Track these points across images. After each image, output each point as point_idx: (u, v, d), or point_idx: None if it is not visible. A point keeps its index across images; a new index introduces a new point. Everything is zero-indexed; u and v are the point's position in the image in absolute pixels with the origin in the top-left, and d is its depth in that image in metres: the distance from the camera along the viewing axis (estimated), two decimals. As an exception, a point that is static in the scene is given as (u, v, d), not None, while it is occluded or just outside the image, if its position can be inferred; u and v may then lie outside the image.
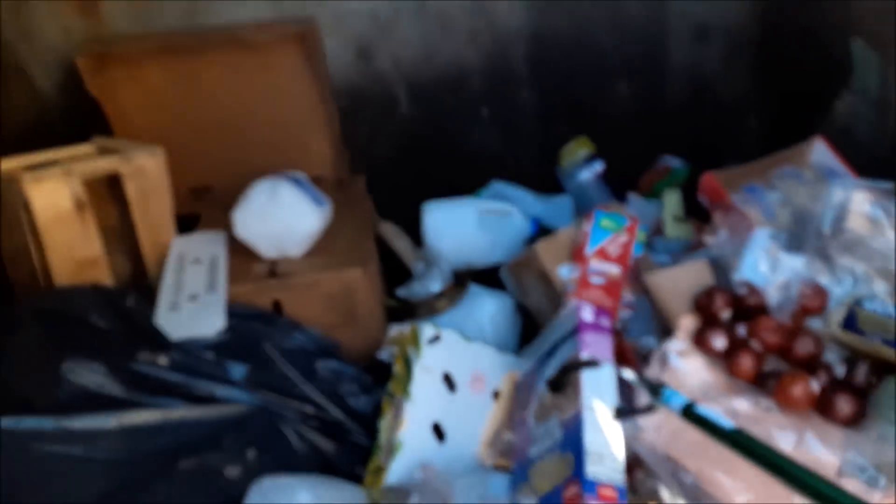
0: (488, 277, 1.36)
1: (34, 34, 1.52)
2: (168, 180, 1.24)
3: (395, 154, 1.69)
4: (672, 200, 1.41)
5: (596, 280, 1.16)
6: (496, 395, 1.09)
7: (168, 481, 0.88)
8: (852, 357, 0.97)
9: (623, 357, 1.06)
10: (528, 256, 1.24)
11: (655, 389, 0.85)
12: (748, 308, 1.04)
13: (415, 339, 1.07)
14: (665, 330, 1.10)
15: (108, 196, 1.25)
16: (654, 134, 1.68)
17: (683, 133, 1.68)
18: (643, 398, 0.88)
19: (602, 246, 1.18)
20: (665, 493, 0.83)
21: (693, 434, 0.90)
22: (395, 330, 1.14)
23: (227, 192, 1.30)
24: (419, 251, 1.43)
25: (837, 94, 1.45)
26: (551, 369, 1.01)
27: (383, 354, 1.13)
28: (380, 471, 0.98)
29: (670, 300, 1.10)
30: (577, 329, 1.02)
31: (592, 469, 0.83)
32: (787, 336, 0.99)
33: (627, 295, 1.16)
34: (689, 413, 0.79)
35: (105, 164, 1.21)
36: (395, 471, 0.97)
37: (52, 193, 1.11)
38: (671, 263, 1.24)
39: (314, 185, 1.33)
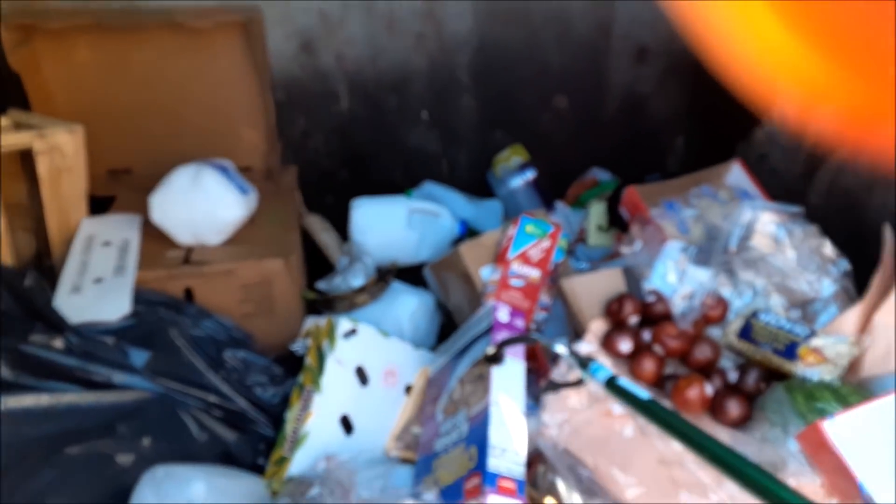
0: (412, 275, 1.36)
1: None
2: (85, 160, 1.20)
3: (330, 149, 1.68)
4: (597, 211, 1.46)
5: (515, 282, 1.18)
6: (408, 389, 1.09)
7: (54, 466, 0.84)
8: (745, 364, 1.02)
9: (534, 357, 1.09)
10: (451, 257, 1.26)
11: (584, 363, 0.87)
12: (654, 315, 1.08)
13: (330, 332, 1.06)
14: (577, 333, 1.13)
15: (18, 172, 1.20)
16: (587, 147, 1.73)
17: (615, 148, 1.73)
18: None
19: (525, 250, 1.20)
20: (562, 487, 0.85)
21: (592, 431, 0.93)
22: (311, 322, 1.13)
23: (147, 176, 1.27)
24: (344, 245, 1.42)
25: (758, 121, 1.52)
26: (464, 366, 1.03)
27: (297, 346, 1.12)
28: (283, 461, 0.97)
29: (583, 304, 1.13)
30: (491, 328, 1.04)
31: (494, 462, 0.84)
32: (688, 342, 1.03)
33: (545, 298, 1.19)
34: (612, 384, 0.82)
35: (17, 139, 1.16)
36: (299, 462, 0.96)
37: (-44, 164, 1.06)
38: (590, 270, 1.28)
39: (241, 174, 1.31)
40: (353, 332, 1.08)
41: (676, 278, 1.13)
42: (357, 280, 1.28)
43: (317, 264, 1.40)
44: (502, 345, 0.94)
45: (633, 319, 1.08)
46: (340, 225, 1.46)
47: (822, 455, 0.76)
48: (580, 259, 1.37)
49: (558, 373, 1.02)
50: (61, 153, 1.17)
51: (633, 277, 1.17)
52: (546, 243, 1.22)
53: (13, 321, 0.95)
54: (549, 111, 1.73)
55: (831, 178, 1.30)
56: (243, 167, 1.39)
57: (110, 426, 0.89)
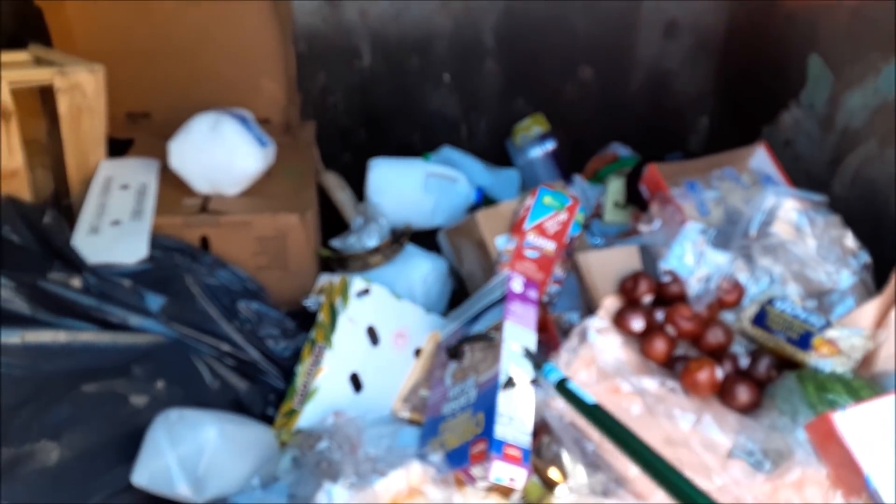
0: (426, 239, 1.36)
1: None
2: (105, 100, 1.19)
3: (349, 107, 1.66)
4: (615, 187, 1.44)
5: (530, 254, 1.18)
6: (418, 352, 1.10)
7: (70, 402, 0.86)
8: (757, 350, 1.02)
9: (545, 329, 1.09)
10: (467, 223, 1.25)
11: (538, 363, 0.90)
12: (669, 295, 1.08)
13: (343, 291, 1.07)
14: (589, 308, 1.13)
15: (38, 108, 1.18)
16: (609, 120, 1.71)
17: (637, 123, 1.71)
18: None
19: (541, 222, 1.20)
20: (567, 458, 0.86)
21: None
22: (325, 279, 1.13)
23: (166, 121, 1.25)
24: (360, 205, 1.41)
25: (787, 105, 1.49)
26: (475, 334, 1.03)
27: (310, 302, 1.12)
28: (292, 414, 0.98)
29: (598, 280, 1.13)
30: (505, 297, 1.04)
31: (501, 429, 0.85)
32: (701, 325, 1.03)
33: (558, 271, 1.18)
34: (562, 387, 0.86)
35: (38, 75, 1.15)
36: (308, 415, 0.97)
37: (-23, 97, 1.05)
38: (605, 246, 1.27)
39: (260, 126, 1.29)
40: (366, 291, 1.08)
41: (694, 260, 1.12)
42: (371, 240, 1.28)
43: (331, 222, 1.40)
44: (462, 342, 0.95)
45: (647, 298, 1.08)
46: (357, 184, 1.45)
47: (831, 447, 0.77)
48: (595, 234, 1.36)
49: (569, 346, 1.02)
50: (82, 92, 1.15)
51: (649, 256, 1.16)
52: (563, 216, 1.21)
53: (32, 257, 0.95)
54: (574, 81, 1.70)
55: (857, 169, 1.28)
56: (262, 119, 1.37)
57: (125, 367, 0.90)
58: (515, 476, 0.82)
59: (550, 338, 1.09)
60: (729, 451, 0.87)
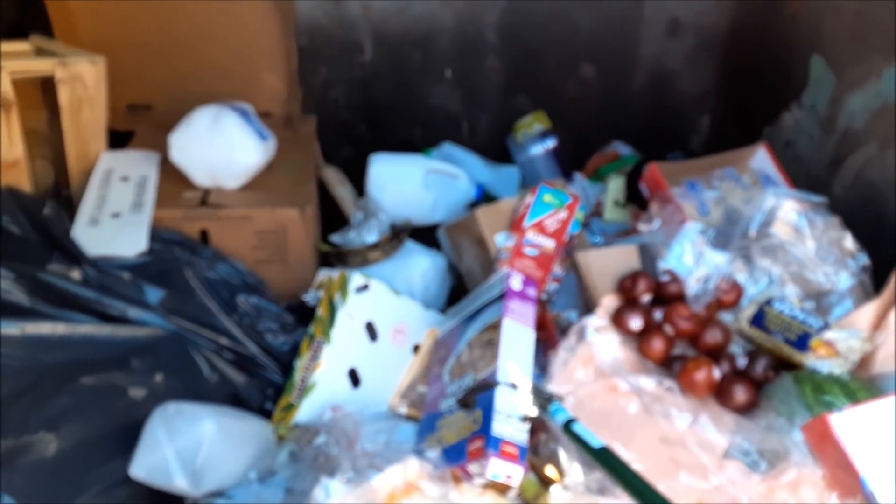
0: (426, 236, 1.36)
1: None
2: (106, 92, 1.18)
3: (350, 101, 1.66)
4: (615, 185, 1.44)
5: (530, 251, 1.18)
6: (416, 348, 1.10)
7: (69, 394, 0.86)
8: (755, 351, 1.02)
9: (543, 327, 1.09)
10: (467, 220, 1.25)
11: (544, 403, 0.87)
12: (668, 295, 1.08)
13: (342, 286, 1.07)
14: (587, 306, 1.13)
15: (38, 99, 1.18)
16: (610, 119, 1.71)
17: (638, 122, 1.71)
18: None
19: (541, 219, 1.20)
20: (563, 456, 0.86)
21: (597, 404, 0.94)
22: (324, 274, 1.13)
23: (167, 114, 1.25)
24: (360, 200, 1.41)
25: (788, 106, 1.49)
26: (474, 330, 1.03)
27: (309, 297, 1.12)
28: (290, 408, 0.98)
29: (597, 279, 1.13)
30: (504, 295, 1.04)
31: (499, 427, 0.85)
32: (699, 325, 1.03)
33: (558, 269, 1.18)
34: (568, 428, 0.83)
35: (39, 65, 1.14)
36: (306, 409, 0.97)
37: (-23, 87, 1.05)
38: (604, 245, 1.27)
39: (260, 120, 1.29)
40: (365, 287, 1.08)
41: (693, 260, 1.12)
42: (371, 236, 1.28)
43: (331, 217, 1.40)
44: (472, 392, 0.91)
45: (646, 298, 1.08)
46: (357, 179, 1.45)
47: (827, 448, 0.77)
48: (594, 233, 1.36)
49: (567, 344, 1.02)
50: (83, 83, 1.15)
51: (648, 255, 1.16)
52: (563, 214, 1.21)
53: (31, 248, 0.95)
54: (575, 79, 1.70)
55: (857, 170, 1.28)
56: (263, 112, 1.37)
57: (124, 359, 0.91)
58: (512, 473, 0.82)
59: (548, 336, 1.09)
60: (725, 451, 0.87)
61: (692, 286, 1.09)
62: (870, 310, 0.98)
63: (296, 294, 1.16)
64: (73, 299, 0.92)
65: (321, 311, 1.06)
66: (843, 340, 0.94)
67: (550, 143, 1.60)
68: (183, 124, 1.19)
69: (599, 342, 1.01)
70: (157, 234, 1.07)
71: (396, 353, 1.08)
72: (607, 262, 1.15)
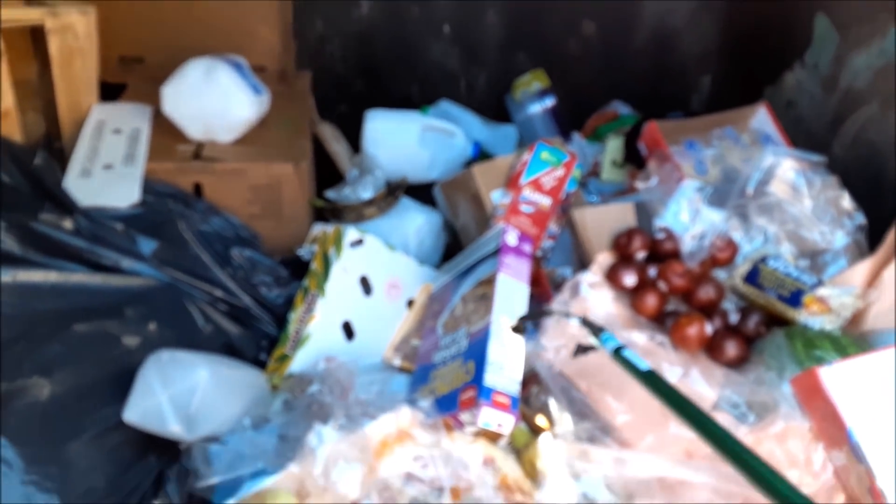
0: (421, 193, 1.35)
1: None
2: (97, 43, 1.16)
3: (346, 56, 1.63)
4: (614, 146, 1.43)
5: (525, 208, 1.17)
6: (410, 303, 1.10)
7: (62, 341, 0.86)
8: (747, 307, 1.02)
9: (538, 283, 1.09)
10: (463, 177, 1.24)
11: (597, 331, 0.87)
12: (663, 252, 1.08)
13: (337, 240, 1.06)
14: (582, 263, 1.13)
15: (28, 49, 1.16)
16: (610, 78, 1.68)
17: (639, 81, 1.68)
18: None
19: (537, 177, 1.19)
20: (554, 407, 0.87)
21: (589, 358, 0.94)
22: (319, 229, 1.13)
23: (159, 66, 1.23)
24: (355, 157, 1.40)
25: (791, 66, 1.47)
26: (468, 285, 1.03)
27: (303, 251, 1.12)
28: (284, 359, 0.99)
29: (592, 236, 1.13)
30: (499, 250, 1.04)
31: (491, 377, 0.86)
32: (693, 281, 1.03)
33: (553, 226, 1.18)
34: (618, 354, 0.83)
35: (28, 14, 1.12)
36: (300, 361, 0.98)
37: (-35, 37, 1.03)
38: (600, 204, 1.27)
39: (254, 74, 1.27)
40: (359, 241, 1.07)
41: (689, 218, 1.12)
42: (366, 192, 1.27)
43: (326, 173, 1.39)
44: (524, 318, 0.93)
45: (641, 254, 1.08)
46: (352, 135, 1.43)
47: (815, 401, 0.78)
48: (591, 193, 1.35)
49: (561, 299, 1.02)
50: (74, 33, 1.13)
51: (644, 213, 1.16)
52: (560, 172, 1.20)
53: (22, 198, 0.95)
54: (576, 37, 1.67)
55: (857, 130, 1.27)
56: (257, 66, 1.34)
57: (117, 308, 0.91)
58: (503, 422, 0.83)
59: (542, 291, 1.09)
60: (714, 403, 0.88)
61: (688, 243, 1.09)
62: (864, 267, 0.98)
63: (290, 249, 1.15)
64: (66, 248, 0.92)
65: (316, 265, 1.06)
66: (836, 297, 0.94)
67: (549, 102, 1.58)
68: (176, 77, 1.18)
69: (593, 297, 1.01)
70: (149, 187, 1.06)
71: (390, 307, 1.08)
72: (603, 220, 1.14)
